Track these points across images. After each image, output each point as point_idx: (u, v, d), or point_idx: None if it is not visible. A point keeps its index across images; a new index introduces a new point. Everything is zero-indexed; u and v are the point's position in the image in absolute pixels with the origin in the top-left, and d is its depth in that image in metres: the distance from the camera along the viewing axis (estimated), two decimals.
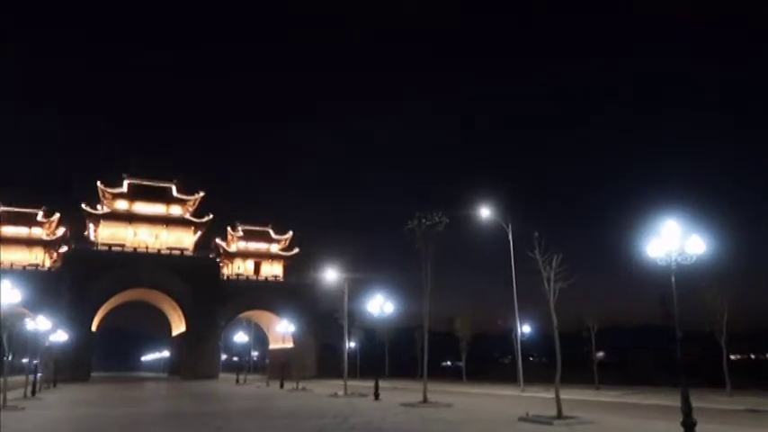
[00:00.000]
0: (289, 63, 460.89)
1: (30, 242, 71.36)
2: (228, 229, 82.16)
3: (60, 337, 49.05)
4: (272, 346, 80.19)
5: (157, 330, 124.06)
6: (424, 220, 23.15)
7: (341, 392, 32.35)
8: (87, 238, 74.93)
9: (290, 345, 73.85)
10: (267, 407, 25.05)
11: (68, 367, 61.01)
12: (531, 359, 76.15)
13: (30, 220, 72.27)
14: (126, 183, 75.21)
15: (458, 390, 37.32)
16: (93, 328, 71.27)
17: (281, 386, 43.46)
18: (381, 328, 42.62)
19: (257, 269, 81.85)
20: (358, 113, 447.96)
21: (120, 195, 74.77)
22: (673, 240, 13.46)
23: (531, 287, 17.70)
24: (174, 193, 77.81)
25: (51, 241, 72.08)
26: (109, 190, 73.71)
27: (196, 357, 72.26)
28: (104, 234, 73.20)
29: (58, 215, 73.24)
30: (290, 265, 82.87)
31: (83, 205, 71.67)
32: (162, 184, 77.57)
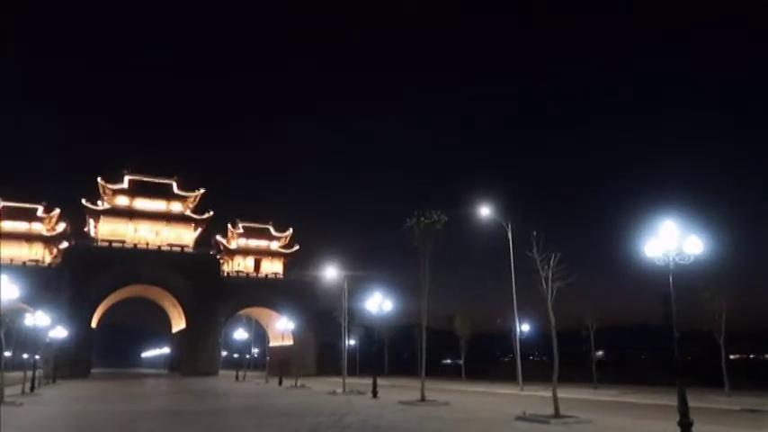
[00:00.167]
0: (289, 63, 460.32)
1: (30, 238, 71.41)
2: (229, 226, 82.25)
3: (60, 333, 49.12)
4: (272, 343, 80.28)
5: (158, 327, 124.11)
6: (422, 219, 23.13)
7: (339, 390, 32.36)
8: (87, 234, 75.00)
9: (289, 342, 73.91)
10: (264, 404, 25.03)
11: (68, 363, 61.11)
12: (532, 358, 76.25)
13: (30, 216, 72.30)
14: (126, 179, 75.22)
15: (457, 388, 37.32)
16: (93, 324, 71.34)
17: (280, 383, 43.47)
18: (380, 326, 42.64)
19: (257, 266, 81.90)
20: (358, 113, 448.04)
21: (121, 191, 74.77)
22: (671, 240, 13.42)
23: (531, 286, 17.68)
24: (175, 189, 77.80)
25: (51, 237, 72.11)
26: (109, 186, 73.71)
27: (196, 354, 72.34)
28: (105, 230, 73.23)
29: (58, 211, 73.30)
30: (291, 262, 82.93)
31: (83, 201, 71.72)
32: (162, 181, 77.57)
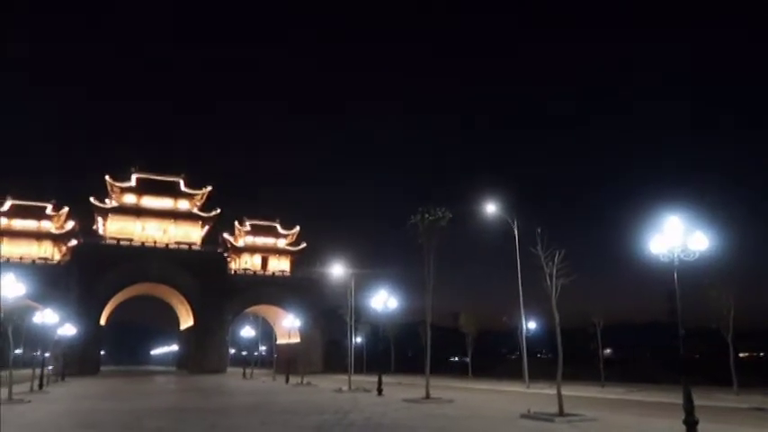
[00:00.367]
0: (289, 63, 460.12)
1: (39, 236, 71.86)
2: (236, 223, 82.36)
3: (69, 330, 49.39)
4: (279, 341, 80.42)
5: (166, 324, 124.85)
6: (426, 216, 23.07)
7: (345, 387, 32.37)
8: (96, 232, 75.34)
9: (296, 340, 74.06)
10: (269, 402, 25.07)
11: (77, 361, 61.50)
12: (539, 356, 75.98)
13: (39, 214, 72.73)
14: (134, 177, 75.50)
15: (462, 385, 37.24)
16: (102, 321, 71.74)
17: (287, 381, 43.55)
18: (386, 324, 42.59)
19: (264, 264, 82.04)
20: (358, 113, 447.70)
21: (129, 189, 75.09)
22: (675, 237, 13.27)
23: (537, 284, 17.56)
24: (182, 187, 78.05)
25: (60, 235, 72.53)
26: (117, 184, 74.06)
27: (204, 351, 72.61)
28: (113, 228, 73.61)
29: (66, 209, 73.65)
30: (298, 260, 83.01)
31: (91, 199, 72.08)
32: (170, 179, 77.84)
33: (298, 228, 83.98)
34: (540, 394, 27.11)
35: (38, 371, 36.40)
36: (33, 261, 68.86)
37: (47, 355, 50.58)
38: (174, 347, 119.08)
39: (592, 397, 25.86)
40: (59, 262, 71.39)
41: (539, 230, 16.97)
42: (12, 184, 74.12)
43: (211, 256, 76.61)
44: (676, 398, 17.21)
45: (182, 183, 78.15)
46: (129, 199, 75.11)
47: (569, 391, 26.17)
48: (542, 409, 17.27)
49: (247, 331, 64.31)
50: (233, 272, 78.85)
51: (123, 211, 74.21)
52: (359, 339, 65.63)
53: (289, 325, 54.80)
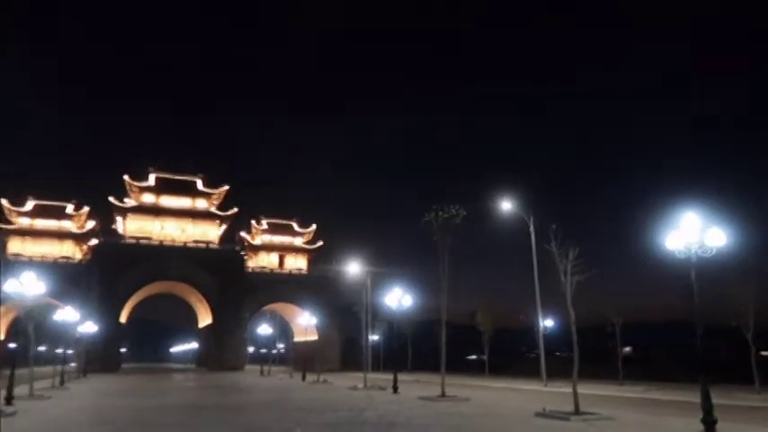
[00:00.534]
0: (289, 63, 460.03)
1: (60, 235, 73.01)
2: (253, 222, 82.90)
3: (90, 328, 50.17)
4: (297, 338, 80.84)
5: (185, 322, 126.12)
6: (440, 213, 22.97)
7: (360, 385, 32.43)
8: (116, 231, 76.32)
9: (313, 337, 74.29)
10: (285, 399, 25.19)
11: (98, 358, 62.41)
12: (558, 354, 75.27)
13: (60, 214, 73.91)
14: (153, 176, 76.36)
15: (479, 384, 37.09)
16: (123, 319, 72.72)
17: (303, 378, 43.74)
18: (402, 322, 42.55)
19: (281, 262, 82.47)
20: (365, 112, 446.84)
21: (148, 189, 75.96)
22: (692, 233, 13.05)
23: (554, 281, 17.35)
24: (200, 186, 78.77)
25: (81, 234, 73.64)
26: (136, 184, 74.95)
27: (222, 349, 73.25)
28: (132, 227, 74.53)
29: (87, 209, 74.76)
30: (314, 258, 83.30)
31: (111, 199, 73.06)
32: (188, 178, 78.60)
33: (314, 226, 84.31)
34: (558, 393, 26.87)
35: (59, 368, 37.00)
36: (55, 260, 70.02)
37: (69, 352, 51.48)
38: (194, 345, 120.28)
39: (609, 395, 25.58)
40: (80, 261, 72.52)
41: (553, 227, 16.82)
42: (33, 185, 75.56)
43: (229, 254, 77.22)
44: (695, 396, 16.93)
45: (199, 182, 78.86)
46: (148, 198, 75.96)
47: (587, 389, 25.94)
48: (558, 408, 17.09)
49: (264, 329, 64.70)
50: (250, 270, 79.39)
51: (142, 210, 75.10)
52: (375, 337, 65.71)
53: (305, 323, 54.98)
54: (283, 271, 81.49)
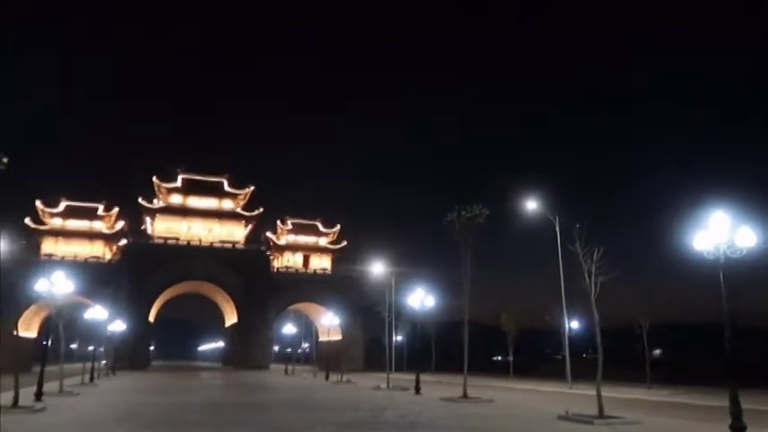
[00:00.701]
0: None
1: (91, 235, 74.61)
2: (278, 222, 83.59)
3: (119, 326, 51.18)
4: (321, 338, 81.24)
5: (211, 321, 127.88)
6: (463, 213, 22.80)
7: (383, 385, 32.41)
8: (144, 231, 77.72)
9: (337, 337, 74.61)
10: (308, 398, 25.30)
11: (128, 356, 63.65)
12: (585, 356, 74.22)
13: (91, 214, 75.53)
14: (180, 178, 77.58)
15: (503, 385, 36.74)
16: (151, 318, 74.05)
17: (327, 378, 43.92)
18: (425, 322, 42.38)
19: (306, 262, 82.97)
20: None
21: (175, 190, 77.19)
22: (721, 232, 12.69)
23: (580, 282, 17.05)
24: (226, 187, 79.75)
25: (111, 234, 75.14)
26: (164, 185, 76.23)
27: (248, 348, 73.98)
28: (160, 228, 75.82)
29: (116, 209, 76.30)
30: (339, 258, 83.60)
31: (140, 200, 74.47)
32: (214, 179, 79.65)
33: (338, 226, 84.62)
34: (583, 395, 26.43)
35: (89, 365, 37.78)
36: (86, 260, 71.53)
37: (101, 349, 52.57)
38: (220, 344, 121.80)
39: (636, 399, 25.08)
40: (110, 260, 74.02)
41: (576, 227, 16.54)
42: (66, 186, 77.31)
43: (254, 254, 77.97)
44: (725, 401, 16.50)
45: (226, 183, 79.85)
46: (176, 199, 77.18)
47: (614, 392, 25.48)
48: (582, 411, 16.79)
49: (289, 328, 65.18)
50: (275, 270, 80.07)
51: (170, 211, 76.34)
52: (399, 338, 65.67)
53: (328, 322, 55.23)
54: (308, 271, 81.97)
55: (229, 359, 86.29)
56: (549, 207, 35.37)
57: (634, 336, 36.11)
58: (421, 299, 27.99)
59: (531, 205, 35.87)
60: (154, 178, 75.51)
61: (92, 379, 36.67)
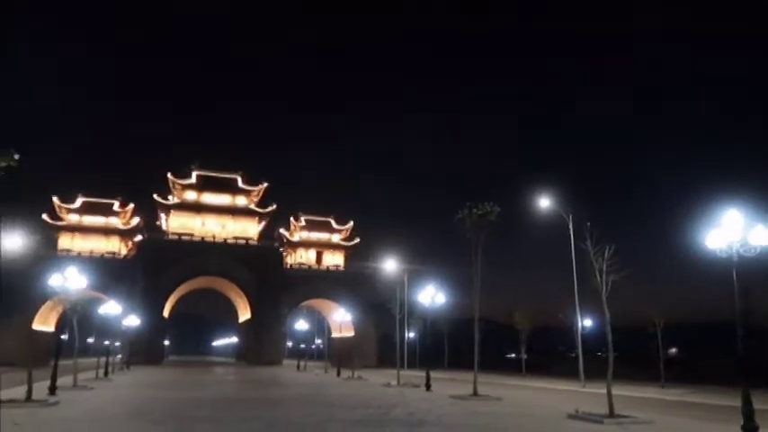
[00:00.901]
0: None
1: (107, 231, 75.45)
2: (291, 219, 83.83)
3: (134, 321, 51.67)
4: (334, 334, 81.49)
5: (225, 317, 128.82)
6: (474, 210, 22.67)
7: (394, 382, 32.43)
8: (159, 227, 78.41)
9: (350, 333, 74.76)
10: (318, 394, 25.39)
11: (142, 350, 64.27)
12: (599, 354, 73.61)
13: (107, 211, 76.37)
14: (194, 174, 78.10)
15: (516, 383, 36.60)
16: (166, 313, 74.72)
17: (338, 374, 44.03)
18: (436, 319, 42.35)
19: (319, 258, 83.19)
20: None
21: (190, 186, 77.73)
22: (735, 231, 12.50)
23: (592, 280, 16.89)
24: (240, 184, 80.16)
25: (126, 230, 75.92)
26: (179, 181, 76.80)
27: (261, 344, 74.41)
28: (174, 224, 76.42)
29: (132, 205, 77.06)
30: (351, 254, 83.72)
31: (155, 196, 75.10)
32: (228, 176, 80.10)
33: (351, 223, 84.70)
34: (596, 394, 26.18)
35: (103, 359, 38.21)
36: (101, 255, 72.35)
37: (117, 344, 53.14)
38: (234, 339, 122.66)
39: (649, 398, 24.85)
40: (125, 256, 74.82)
41: (588, 225, 16.40)
42: (82, 183, 78.20)
43: (268, 250, 78.32)
44: (737, 400, 16.28)
45: (239, 179, 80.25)
46: (190, 196, 77.73)
47: (627, 391, 25.28)
48: (593, 410, 16.65)
49: (302, 325, 65.43)
50: (288, 266, 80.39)
51: (184, 207, 76.92)
52: (411, 334, 65.62)
53: (340, 319, 55.34)
54: (321, 267, 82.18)
55: (243, 354, 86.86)
56: (562, 205, 35.08)
57: (648, 334, 35.81)
58: (432, 296, 27.92)
59: (545, 203, 35.59)
60: (168, 174, 76.10)
61: (106, 373, 37.08)
